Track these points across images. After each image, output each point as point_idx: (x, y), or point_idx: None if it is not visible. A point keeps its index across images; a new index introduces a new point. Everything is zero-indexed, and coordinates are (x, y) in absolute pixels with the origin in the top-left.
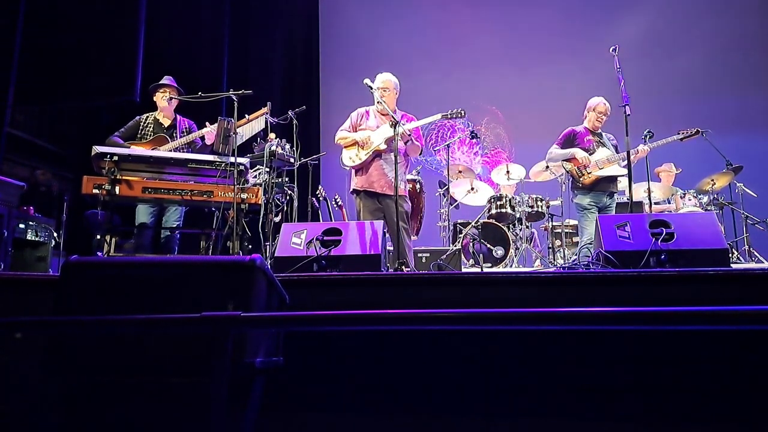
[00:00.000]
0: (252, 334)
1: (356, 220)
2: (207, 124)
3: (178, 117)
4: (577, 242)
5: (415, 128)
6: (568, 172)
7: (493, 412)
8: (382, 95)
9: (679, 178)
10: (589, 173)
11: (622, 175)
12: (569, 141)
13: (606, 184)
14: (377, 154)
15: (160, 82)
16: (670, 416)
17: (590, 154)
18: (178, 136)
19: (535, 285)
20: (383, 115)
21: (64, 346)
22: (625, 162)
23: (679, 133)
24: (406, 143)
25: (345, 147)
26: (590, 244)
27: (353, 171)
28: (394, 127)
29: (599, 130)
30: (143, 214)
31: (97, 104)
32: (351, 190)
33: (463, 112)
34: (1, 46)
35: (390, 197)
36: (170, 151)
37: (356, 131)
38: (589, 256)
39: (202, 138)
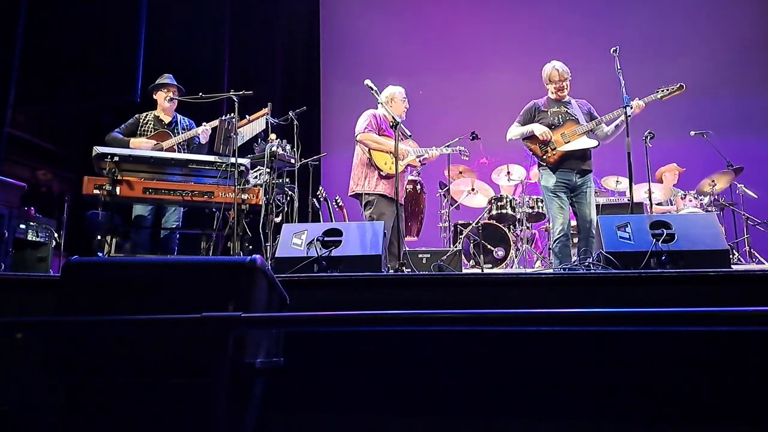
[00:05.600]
0: (252, 335)
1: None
2: (204, 123)
3: (178, 115)
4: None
5: None
6: (530, 151)
7: (493, 412)
8: (405, 109)
9: (680, 179)
10: (553, 149)
11: (593, 147)
12: (530, 116)
13: (574, 161)
14: (409, 166)
15: (162, 82)
16: (670, 416)
17: (554, 128)
18: (180, 133)
19: (535, 286)
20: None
21: (65, 347)
22: (594, 134)
23: (657, 91)
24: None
25: (373, 149)
26: (563, 235)
27: (380, 175)
28: (395, 128)
29: (567, 99)
30: (140, 212)
31: (97, 104)
32: (377, 193)
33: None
34: (2, 46)
35: (399, 204)
36: (172, 146)
37: (380, 134)
38: (568, 249)
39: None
